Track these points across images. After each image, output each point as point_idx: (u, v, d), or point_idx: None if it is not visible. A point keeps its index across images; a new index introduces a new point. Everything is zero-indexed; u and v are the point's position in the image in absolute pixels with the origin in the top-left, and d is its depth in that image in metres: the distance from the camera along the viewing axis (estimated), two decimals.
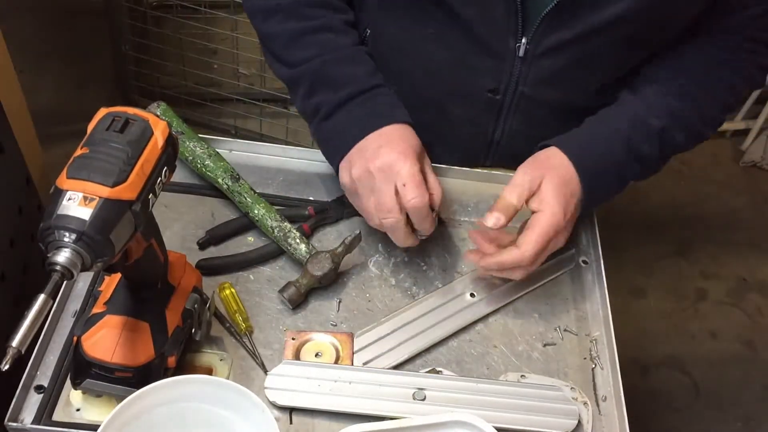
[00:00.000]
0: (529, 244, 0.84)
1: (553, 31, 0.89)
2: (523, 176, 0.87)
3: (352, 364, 0.83)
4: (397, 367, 0.84)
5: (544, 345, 0.89)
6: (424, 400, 0.80)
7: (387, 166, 0.85)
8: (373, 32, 1.02)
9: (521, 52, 0.92)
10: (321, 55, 0.93)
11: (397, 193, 0.85)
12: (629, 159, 0.92)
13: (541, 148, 0.92)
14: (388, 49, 1.01)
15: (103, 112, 0.64)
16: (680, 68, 0.95)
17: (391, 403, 0.79)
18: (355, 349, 0.85)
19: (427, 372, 0.84)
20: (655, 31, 0.92)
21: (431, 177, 0.90)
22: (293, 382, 0.80)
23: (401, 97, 1.02)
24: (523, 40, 0.91)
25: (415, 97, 1.02)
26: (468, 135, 1.05)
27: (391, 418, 0.77)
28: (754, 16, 0.92)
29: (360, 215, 0.99)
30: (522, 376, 0.84)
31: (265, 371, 0.82)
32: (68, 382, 0.77)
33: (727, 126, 2.62)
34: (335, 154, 0.92)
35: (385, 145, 0.87)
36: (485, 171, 1.05)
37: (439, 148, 1.05)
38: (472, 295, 0.91)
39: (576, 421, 0.80)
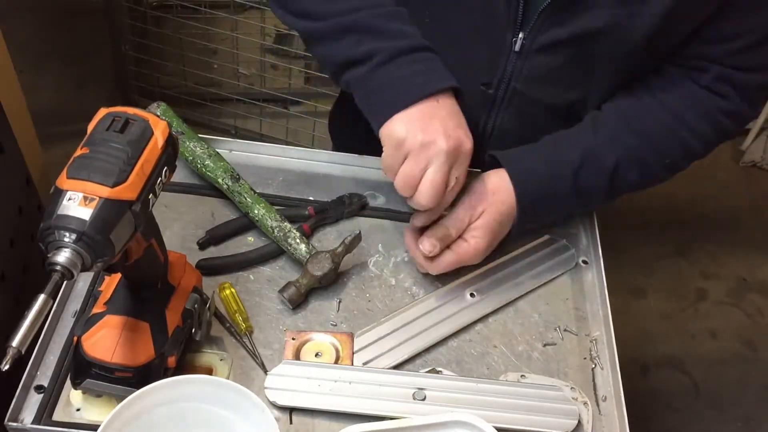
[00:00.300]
0: (441, 263, 0.90)
1: (550, 28, 0.89)
2: (465, 212, 0.90)
3: (352, 364, 0.83)
4: (397, 367, 0.84)
5: (544, 345, 0.89)
6: (424, 400, 0.80)
7: (458, 148, 0.84)
8: None
9: (517, 47, 0.92)
10: (368, 7, 0.88)
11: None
12: (572, 193, 0.92)
13: (491, 158, 0.95)
14: None
15: (103, 112, 0.64)
16: (645, 104, 0.94)
17: (391, 403, 0.79)
18: (355, 349, 0.85)
19: (427, 372, 0.84)
20: (653, 42, 0.90)
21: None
22: (293, 382, 0.80)
23: None
24: (521, 35, 0.91)
25: None
26: None
27: (391, 418, 0.77)
28: (734, 49, 0.90)
29: (360, 215, 0.99)
30: (522, 376, 0.84)
31: (265, 371, 0.82)
32: (68, 382, 0.77)
33: None
34: (393, 103, 0.85)
35: (461, 127, 0.85)
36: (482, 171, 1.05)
37: None
38: (472, 295, 0.91)
39: (576, 421, 0.80)
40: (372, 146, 1.12)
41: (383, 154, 0.86)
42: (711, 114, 0.94)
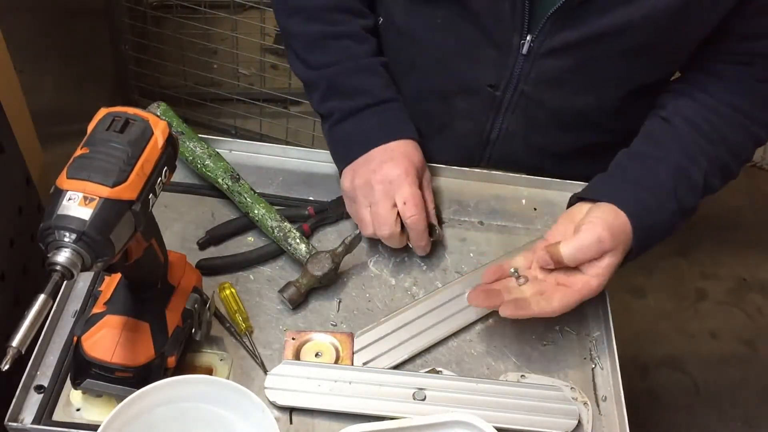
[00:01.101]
0: (559, 302, 0.83)
1: (558, 32, 0.89)
2: (596, 244, 0.82)
3: (352, 364, 0.83)
4: (397, 367, 0.84)
5: (544, 345, 0.89)
6: (424, 400, 0.80)
7: (389, 181, 0.90)
8: (385, 20, 1.03)
9: (525, 50, 0.92)
10: (339, 62, 0.97)
11: (394, 206, 0.89)
12: (678, 217, 0.90)
13: (592, 194, 0.90)
14: (398, 36, 1.01)
15: (103, 112, 0.64)
16: (710, 108, 0.93)
17: (391, 403, 0.79)
18: (355, 349, 0.85)
19: (427, 372, 0.84)
20: (663, 45, 0.91)
21: (428, 193, 0.95)
22: (293, 382, 0.80)
23: (407, 87, 1.03)
24: (528, 38, 0.91)
25: (421, 86, 1.03)
26: (466, 130, 1.05)
27: (392, 418, 0.77)
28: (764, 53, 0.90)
29: None
30: (522, 376, 0.84)
31: (265, 371, 0.82)
32: (68, 382, 0.77)
33: None
34: (343, 159, 0.95)
35: (389, 161, 0.91)
36: (485, 171, 1.05)
37: (438, 141, 1.05)
38: None
39: (576, 421, 0.80)
40: None
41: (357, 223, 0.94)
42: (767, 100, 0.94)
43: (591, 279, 0.83)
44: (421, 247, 0.93)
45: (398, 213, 0.90)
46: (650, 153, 0.93)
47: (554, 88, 0.96)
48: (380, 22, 1.03)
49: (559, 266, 0.84)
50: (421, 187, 0.92)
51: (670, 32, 0.88)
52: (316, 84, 0.99)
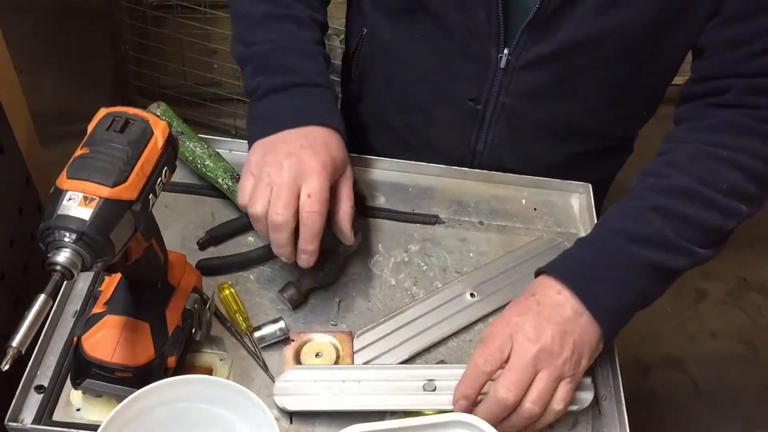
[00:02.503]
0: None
1: (533, 44, 0.89)
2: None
3: (353, 364, 0.83)
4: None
5: None
6: (434, 390, 0.80)
7: (302, 168, 0.81)
8: (369, 32, 1.02)
9: (503, 63, 0.92)
10: (277, 41, 0.92)
11: (297, 196, 0.80)
12: (658, 290, 0.83)
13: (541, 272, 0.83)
14: (380, 50, 1.01)
15: (103, 112, 0.64)
16: (671, 158, 0.87)
17: (402, 397, 0.79)
18: (355, 349, 0.85)
19: (436, 363, 0.84)
20: (642, 54, 0.90)
21: (345, 195, 0.85)
22: (301, 386, 0.79)
23: (391, 99, 1.02)
24: (505, 51, 0.91)
25: (404, 99, 1.02)
26: (452, 143, 1.05)
27: (405, 412, 0.77)
28: (748, 54, 0.84)
29: (363, 215, 0.99)
30: None
31: (267, 371, 0.82)
32: (68, 382, 0.77)
33: None
34: (258, 132, 0.86)
35: (308, 147, 0.82)
36: (485, 171, 1.05)
37: (425, 153, 1.05)
38: (472, 295, 0.91)
39: (592, 394, 0.80)
40: (369, 147, 1.13)
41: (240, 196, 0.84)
42: (750, 128, 0.85)
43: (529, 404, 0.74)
44: (307, 252, 0.80)
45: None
46: (610, 239, 0.83)
47: (535, 99, 0.96)
48: (364, 33, 1.03)
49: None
50: (337, 184, 0.84)
51: (648, 41, 0.88)
52: (249, 60, 0.92)
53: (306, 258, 0.81)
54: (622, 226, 0.82)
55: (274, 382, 0.80)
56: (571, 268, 0.81)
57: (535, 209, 1.03)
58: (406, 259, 0.95)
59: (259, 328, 0.84)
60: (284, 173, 0.80)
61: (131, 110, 0.64)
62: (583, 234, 1.01)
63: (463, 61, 0.95)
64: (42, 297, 0.57)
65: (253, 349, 0.84)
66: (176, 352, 0.76)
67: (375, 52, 1.02)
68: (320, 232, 0.80)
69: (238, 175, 0.96)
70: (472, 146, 1.04)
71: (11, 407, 0.75)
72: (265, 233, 0.81)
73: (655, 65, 0.94)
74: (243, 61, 0.94)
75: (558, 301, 0.78)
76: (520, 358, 0.74)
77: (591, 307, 0.78)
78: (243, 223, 0.95)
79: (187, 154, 0.97)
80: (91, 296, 0.85)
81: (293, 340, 0.85)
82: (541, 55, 0.90)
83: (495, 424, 0.71)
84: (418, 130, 1.06)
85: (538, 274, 0.83)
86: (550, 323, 0.76)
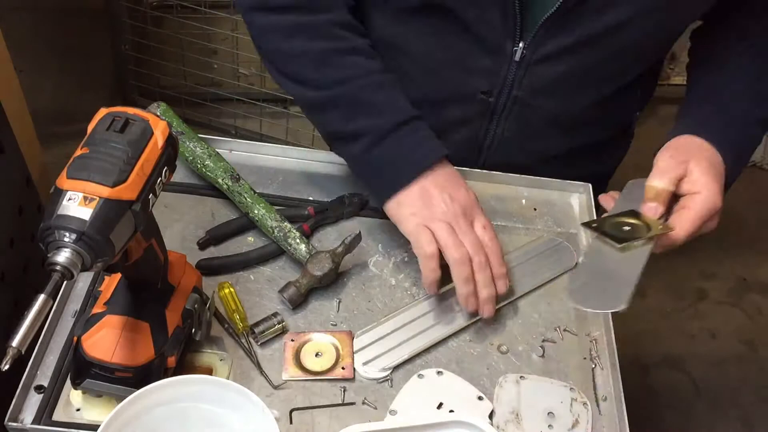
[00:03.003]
0: (684, 224, 0.82)
1: (551, 37, 0.89)
2: (669, 160, 0.85)
3: (353, 364, 0.83)
4: (397, 367, 0.84)
5: (544, 345, 0.89)
6: None
7: (464, 206, 0.87)
8: (375, 28, 1.02)
9: (518, 56, 0.92)
10: (355, 78, 0.91)
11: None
12: (758, 131, 0.92)
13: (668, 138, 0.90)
14: (386, 48, 1.01)
15: (103, 112, 0.64)
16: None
17: (460, 315, 0.88)
18: (355, 349, 0.85)
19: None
20: (659, 35, 0.91)
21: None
22: (377, 347, 0.85)
23: None
24: (521, 45, 0.91)
25: (413, 95, 1.02)
26: (461, 138, 1.05)
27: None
28: None
29: (360, 215, 0.99)
30: (521, 377, 0.84)
31: (261, 370, 0.82)
32: (68, 382, 0.77)
33: None
34: (393, 183, 0.89)
35: (453, 183, 0.89)
36: (485, 171, 1.05)
37: None
38: None
39: (576, 260, 0.92)
40: None
41: (414, 242, 0.87)
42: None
43: (701, 190, 0.82)
44: (503, 276, 0.87)
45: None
46: (719, 86, 0.93)
47: (548, 92, 0.96)
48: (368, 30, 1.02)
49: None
50: None
51: (666, 21, 0.88)
52: (334, 102, 0.91)
53: (502, 284, 0.87)
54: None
55: (270, 384, 0.80)
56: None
57: (535, 209, 1.03)
58: (406, 259, 0.95)
59: (257, 324, 0.84)
60: (458, 217, 0.86)
61: (131, 110, 0.64)
62: (582, 234, 1.01)
63: (477, 55, 0.94)
64: (42, 297, 0.57)
65: (248, 347, 0.83)
66: (176, 352, 0.76)
67: (380, 49, 1.01)
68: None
69: (238, 175, 0.96)
70: (480, 141, 1.04)
71: (11, 407, 0.75)
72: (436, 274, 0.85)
73: (668, 42, 0.94)
74: (322, 103, 0.92)
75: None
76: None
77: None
78: (243, 223, 0.95)
79: (187, 154, 0.97)
80: (91, 296, 0.85)
81: (293, 340, 0.85)
82: (559, 47, 0.90)
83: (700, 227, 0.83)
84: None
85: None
86: None
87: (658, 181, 0.83)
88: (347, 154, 0.94)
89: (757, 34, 0.94)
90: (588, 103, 0.99)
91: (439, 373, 0.83)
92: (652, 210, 0.82)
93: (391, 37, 1.00)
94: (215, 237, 0.93)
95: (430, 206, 0.86)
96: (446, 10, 0.91)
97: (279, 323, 0.85)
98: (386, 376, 0.83)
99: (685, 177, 0.84)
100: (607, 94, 0.98)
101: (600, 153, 1.09)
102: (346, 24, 0.93)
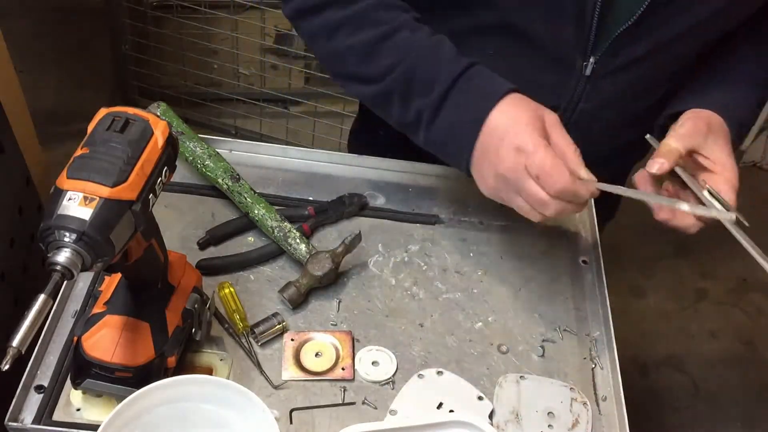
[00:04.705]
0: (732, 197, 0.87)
1: (623, 49, 0.88)
2: (691, 128, 0.84)
3: (353, 364, 0.83)
4: (398, 367, 0.84)
5: (544, 345, 0.89)
6: None
7: (513, 166, 0.78)
8: None
9: (588, 71, 0.90)
10: (404, 59, 0.84)
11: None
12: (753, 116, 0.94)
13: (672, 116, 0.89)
14: None
15: (103, 112, 0.64)
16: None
17: None
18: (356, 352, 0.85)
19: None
20: (714, 41, 0.91)
21: (560, 140, 0.81)
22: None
23: None
24: (591, 59, 0.89)
25: None
26: None
27: None
28: None
29: (360, 215, 0.99)
30: (521, 376, 0.84)
31: (261, 370, 0.82)
32: (68, 382, 0.77)
33: None
34: (458, 158, 0.84)
35: (502, 139, 0.79)
36: None
37: None
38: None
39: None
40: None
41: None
42: None
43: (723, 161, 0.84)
44: (581, 195, 0.79)
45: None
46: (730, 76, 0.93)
47: (613, 102, 0.95)
48: None
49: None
50: (546, 135, 0.80)
51: (733, 18, 0.88)
52: (392, 93, 0.85)
53: (584, 196, 0.80)
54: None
55: (270, 384, 0.80)
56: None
57: None
58: (406, 259, 0.95)
59: (257, 324, 0.84)
60: (509, 181, 0.79)
61: (131, 110, 0.64)
62: (583, 234, 1.01)
63: (544, 72, 0.92)
64: (42, 297, 0.57)
65: (248, 347, 0.83)
66: (176, 352, 0.76)
67: None
68: (573, 182, 0.78)
69: (238, 175, 0.96)
70: None
71: (11, 407, 0.75)
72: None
73: (718, 42, 0.94)
74: (382, 97, 0.87)
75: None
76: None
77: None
78: (243, 223, 0.95)
79: (187, 154, 0.97)
80: (91, 296, 0.85)
81: (293, 340, 0.85)
82: (630, 58, 0.89)
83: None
84: None
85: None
86: None
87: (675, 141, 0.83)
88: (420, 142, 0.88)
89: None
90: (643, 107, 0.98)
91: (439, 373, 0.83)
92: (657, 165, 0.81)
93: None
94: (215, 237, 0.93)
95: (497, 163, 0.80)
96: (515, 30, 0.88)
97: (279, 323, 0.85)
98: (388, 379, 0.83)
99: (701, 149, 0.84)
100: (662, 96, 0.97)
101: (634, 151, 1.08)
102: (384, 4, 0.87)
